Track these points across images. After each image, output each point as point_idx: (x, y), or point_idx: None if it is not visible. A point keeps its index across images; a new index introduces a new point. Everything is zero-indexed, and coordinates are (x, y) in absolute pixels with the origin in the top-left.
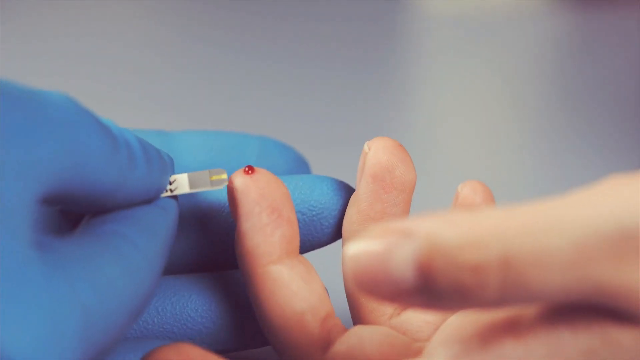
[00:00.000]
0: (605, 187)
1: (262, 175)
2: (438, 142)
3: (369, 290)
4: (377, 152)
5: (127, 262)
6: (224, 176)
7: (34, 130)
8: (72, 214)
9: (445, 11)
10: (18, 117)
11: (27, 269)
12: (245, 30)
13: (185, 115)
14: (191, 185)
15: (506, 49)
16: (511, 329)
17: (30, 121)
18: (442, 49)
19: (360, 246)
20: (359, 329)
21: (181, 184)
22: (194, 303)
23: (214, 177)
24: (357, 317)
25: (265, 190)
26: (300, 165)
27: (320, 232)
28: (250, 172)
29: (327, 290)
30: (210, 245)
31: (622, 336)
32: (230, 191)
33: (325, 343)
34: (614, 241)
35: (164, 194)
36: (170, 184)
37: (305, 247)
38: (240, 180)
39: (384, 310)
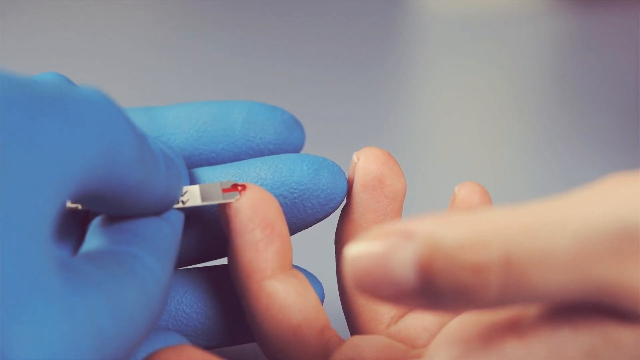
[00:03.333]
0: (606, 187)
1: (254, 192)
2: (437, 142)
3: (370, 291)
4: (366, 162)
5: (142, 285)
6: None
7: (68, 132)
8: (77, 213)
9: (446, 11)
10: (50, 118)
11: (47, 286)
12: (244, 28)
13: None
14: (203, 198)
15: (506, 49)
16: (513, 328)
17: (64, 123)
18: (442, 49)
19: (361, 248)
20: (356, 339)
21: (193, 195)
22: (189, 299)
23: (226, 190)
24: (355, 326)
25: (258, 207)
26: (290, 127)
27: (303, 214)
28: (241, 189)
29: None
30: (207, 239)
31: (624, 335)
32: (222, 208)
33: (323, 355)
34: (614, 240)
35: (175, 206)
36: (182, 195)
37: (291, 230)
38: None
39: (381, 318)
